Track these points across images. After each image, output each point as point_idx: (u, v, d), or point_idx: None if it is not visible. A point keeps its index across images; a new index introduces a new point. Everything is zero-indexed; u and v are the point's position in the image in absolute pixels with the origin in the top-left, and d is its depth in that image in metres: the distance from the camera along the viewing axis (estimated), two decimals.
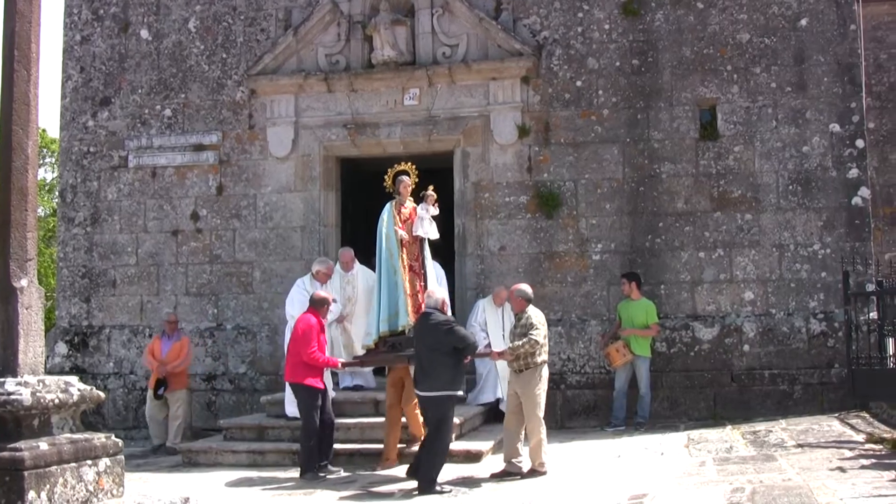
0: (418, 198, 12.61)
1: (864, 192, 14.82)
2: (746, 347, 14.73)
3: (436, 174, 15.92)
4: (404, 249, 12.12)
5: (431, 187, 12.72)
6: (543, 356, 11.18)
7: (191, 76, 16.73)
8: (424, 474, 10.35)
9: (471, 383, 13.94)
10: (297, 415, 12.45)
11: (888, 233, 20.30)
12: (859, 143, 14.86)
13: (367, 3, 16.05)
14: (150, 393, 14.81)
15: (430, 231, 12.46)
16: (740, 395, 14.64)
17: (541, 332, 11.08)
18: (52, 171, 39.59)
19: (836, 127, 14.89)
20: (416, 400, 11.64)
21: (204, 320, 16.36)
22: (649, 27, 15.40)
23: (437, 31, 15.80)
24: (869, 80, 18.55)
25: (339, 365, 12.28)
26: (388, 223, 12.10)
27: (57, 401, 7.61)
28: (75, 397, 7.84)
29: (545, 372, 11.24)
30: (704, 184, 15.09)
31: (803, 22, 15.09)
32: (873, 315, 14.04)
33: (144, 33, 16.99)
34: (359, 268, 13.94)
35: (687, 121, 15.21)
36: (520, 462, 11.11)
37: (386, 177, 12.50)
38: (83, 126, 17.10)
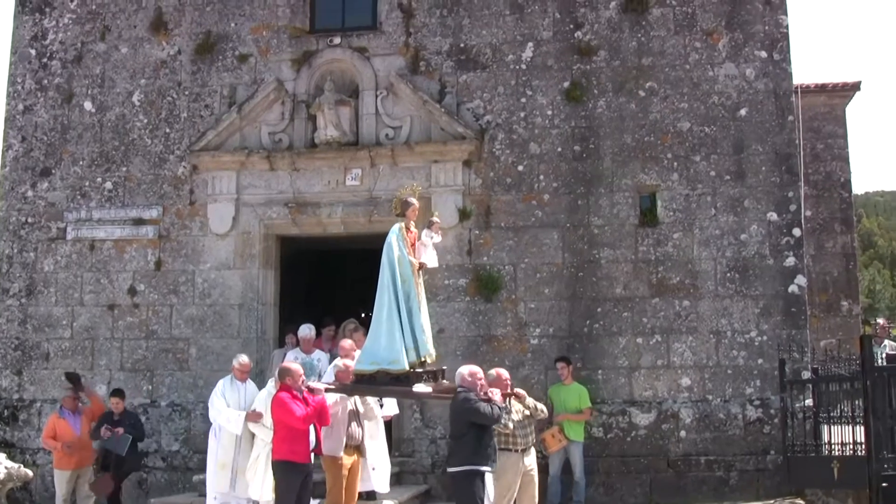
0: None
1: (801, 280, 14.96)
2: (683, 433, 14.75)
3: (376, 254, 15.93)
4: (418, 275, 11.45)
5: (436, 214, 12.53)
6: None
7: (133, 150, 16.65)
8: None
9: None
10: None
11: (824, 320, 20.58)
12: (796, 231, 15.03)
13: (311, 83, 16.17)
14: (65, 475, 14.26)
15: (432, 259, 11.91)
16: (677, 480, 14.62)
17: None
18: None
19: (773, 216, 15.07)
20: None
21: (138, 396, 16.06)
22: (591, 114, 15.57)
23: (381, 113, 15.90)
24: (806, 169, 18.91)
25: (324, 389, 11.38)
26: (400, 247, 11.30)
27: None
28: (1, 475, 7.72)
29: None
30: (643, 270, 15.18)
31: (743, 112, 15.33)
32: (809, 402, 14.11)
33: (88, 105, 16.93)
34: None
35: (627, 207, 15.33)
36: None
37: (394, 201, 11.89)
38: (22, 196, 16.94)
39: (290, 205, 15.99)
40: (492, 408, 10.31)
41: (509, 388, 11.44)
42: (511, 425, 11.19)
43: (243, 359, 13.30)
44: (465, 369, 10.81)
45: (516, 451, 11.45)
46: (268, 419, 12.04)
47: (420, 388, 10.95)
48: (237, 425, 12.63)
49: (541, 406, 11.93)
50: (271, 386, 12.44)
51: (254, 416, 12.55)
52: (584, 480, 14.23)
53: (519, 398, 11.51)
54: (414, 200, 11.68)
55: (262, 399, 12.51)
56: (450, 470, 10.56)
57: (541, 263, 15.37)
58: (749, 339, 14.90)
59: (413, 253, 11.45)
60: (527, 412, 11.66)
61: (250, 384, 13.18)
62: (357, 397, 11.85)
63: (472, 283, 15.44)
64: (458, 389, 10.61)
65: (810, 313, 16.12)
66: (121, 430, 13.97)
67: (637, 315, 15.11)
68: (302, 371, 11.64)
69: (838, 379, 13.25)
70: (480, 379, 10.76)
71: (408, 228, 11.60)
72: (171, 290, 16.21)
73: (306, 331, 14.54)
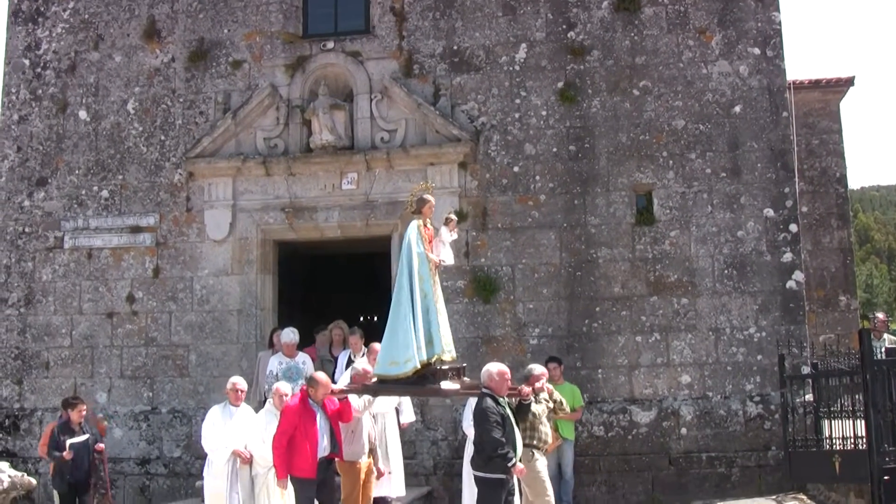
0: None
1: (799, 275, 14.98)
2: (684, 430, 14.76)
3: (373, 258, 15.95)
4: (436, 273, 11.34)
5: (453, 211, 12.45)
6: None
7: (129, 158, 16.67)
8: None
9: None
10: None
11: (822, 315, 20.61)
12: (793, 227, 15.06)
13: (305, 88, 16.19)
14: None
15: (449, 256, 11.84)
16: (678, 478, 14.63)
17: None
18: None
19: (770, 212, 15.09)
20: None
21: (139, 403, 16.12)
22: (586, 114, 15.59)
23: (376, 116, 15.93)
24: (801, 165, 18.94)
25: (344, 391, 11.22)
26: (418, 244, 11.12)
27: None
28: (5, 484, 7.72)
29: None
30: (641, 268, 15.20)
31: (737, 109, 15.35)
32: (809, 397, 14.10)
33: (83, 114, 16.95)
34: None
35: (623, 206, 15.34)
36: None
37: (409, 198, 11.78)
38: (19, 206, 16.96)
39: (286, 210, 16.00)
40: (503, 447, 9.86)
41: (543, 385, 11.44)
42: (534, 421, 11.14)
43: (235, 381, 12.81)
44: (494, 368, 10.50)
45: (545, 451, 11.40)
46: (265, 448, 11.77)
47: (448, 385, 10.88)
48: (222, 456, 12.26)
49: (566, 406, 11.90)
50: (270, 406, 12.22)
51: (242, 457, 12.23)
52: (572, 479, 14.18)
53: (549, 394, 11.48)
54: (429, 197, 11.60)
55: (262, 423, 12.14)
56: (473, 472, 10.35)
57: (538, 264, 15.38)
58: (748, 336, 14.91)
59: (431, 250, 11.36)
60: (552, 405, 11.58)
61: (244, 408, 12.71)
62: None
63: (470, 285, 15.44)
64: (483, 390, 10.35)
65: (808, 309, 16.12)
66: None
67: (636, 314, 15.12)
68: (330, 384, 11.34)
69: (838, 373, 13.23)
70: (508, 380, 10.53)
71: (424, 225, 11.45)
72: (169, 296, 16.23)
73: (290, 335, 14.30)
